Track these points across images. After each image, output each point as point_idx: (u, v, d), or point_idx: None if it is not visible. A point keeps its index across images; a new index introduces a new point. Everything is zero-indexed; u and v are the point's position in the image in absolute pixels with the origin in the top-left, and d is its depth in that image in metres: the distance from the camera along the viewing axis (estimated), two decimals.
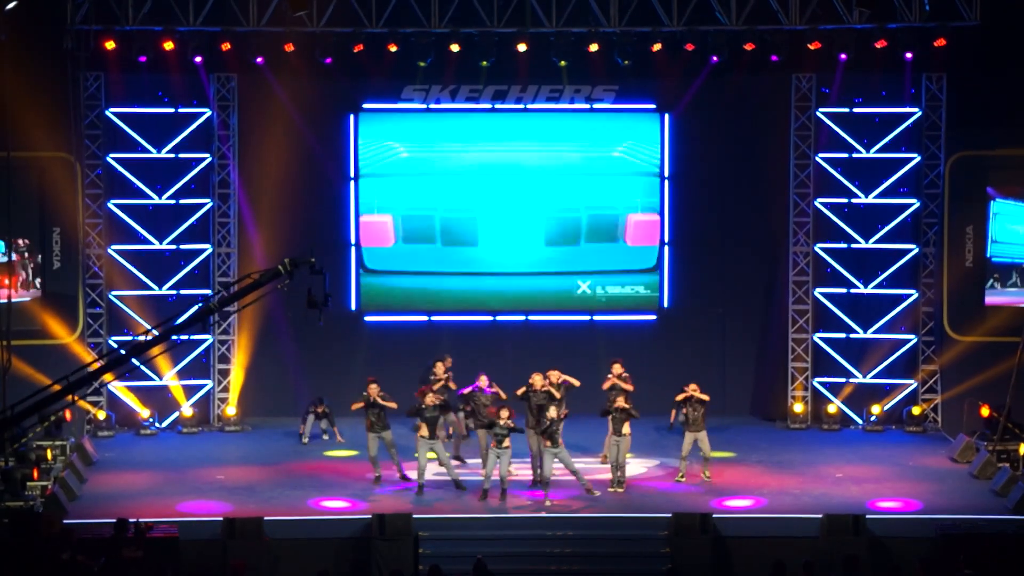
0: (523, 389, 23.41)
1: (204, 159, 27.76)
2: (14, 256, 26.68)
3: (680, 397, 23.72)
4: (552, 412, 22.51)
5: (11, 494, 22.39)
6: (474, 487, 22.88)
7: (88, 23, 25.55)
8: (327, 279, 17.60)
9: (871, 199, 28.06)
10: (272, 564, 20.77)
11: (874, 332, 28.22)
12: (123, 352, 18.28)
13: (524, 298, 28.43)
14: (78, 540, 19.41)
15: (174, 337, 26.63)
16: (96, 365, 17.51)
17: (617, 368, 24.42)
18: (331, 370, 28.08)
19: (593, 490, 22.75)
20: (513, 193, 28.06)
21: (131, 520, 19.85)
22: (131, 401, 27.58)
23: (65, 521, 20.90)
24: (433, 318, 28.50)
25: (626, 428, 23.05)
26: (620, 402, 23.13)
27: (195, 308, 17.69)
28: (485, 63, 26.85)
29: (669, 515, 21.36)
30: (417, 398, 23.44)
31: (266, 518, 21.00)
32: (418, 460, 22.96)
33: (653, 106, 28.19)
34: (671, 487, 23.40)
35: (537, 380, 23.29)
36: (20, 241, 26.81)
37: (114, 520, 19.96)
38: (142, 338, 18.34)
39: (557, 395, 23.00)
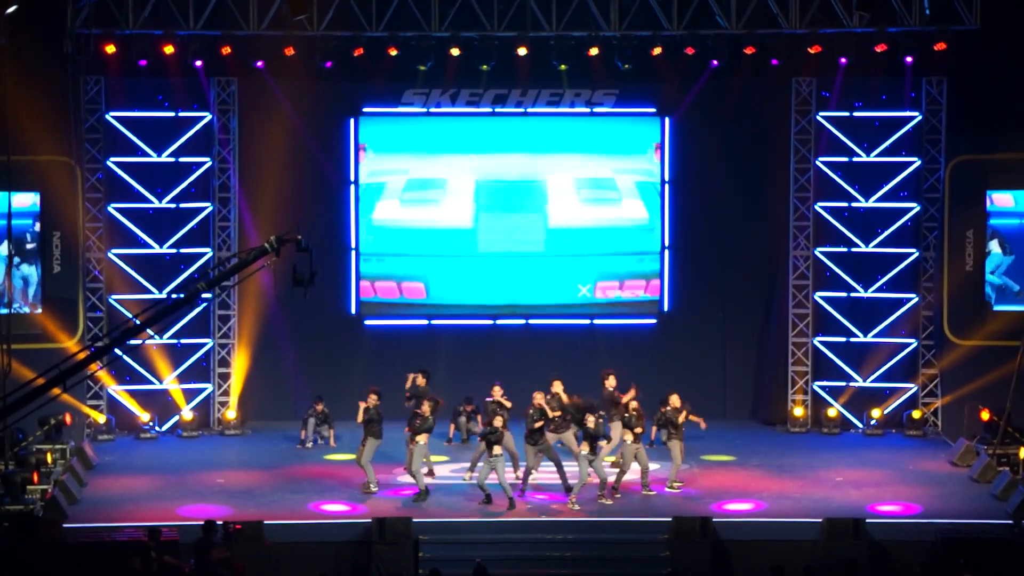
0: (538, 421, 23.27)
1: (204, 163, 27.77)
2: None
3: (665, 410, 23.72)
4: (591, 421, 22.66)
5: (11, 498, 22.40)
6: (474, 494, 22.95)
7: (88, 27, 25.54)
8: (312, 256, 17.45)
9: (871, 203, 28.07)
10: (272, 568, 20.75)
11: (874, 336, 28.23)
12: (113, 337, 18.13)
13: (524, 302, 28.47)
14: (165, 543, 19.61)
15: (175, 340, 27.14)
16: (84, 354, 17.43)
17: (612, 381, 24.39)
18: (331, 374, 28.08)
19: (609, 497, 22.79)
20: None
21: (219, 522, 19.90)
22: (131, 405, 27.57)
23: (65, 525, 20.88)
24: (433, 322, 28.50)
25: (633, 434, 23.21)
26: (633, 406, 23.20)
27: (184, 291, 17.54)
28: (485, 67, 26.82)
29: (669, 519, 21.37)
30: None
31: (266, 522, 21.00)
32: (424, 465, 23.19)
33: (653, 110, 28.22)
34: (671, 491, 23.38)
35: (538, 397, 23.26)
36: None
37: (203, 522, 20.05)
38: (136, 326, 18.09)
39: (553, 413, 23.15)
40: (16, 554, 19.76)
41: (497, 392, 24.28)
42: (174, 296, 17.50)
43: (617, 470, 23.30)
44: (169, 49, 26.02)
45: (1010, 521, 21.70)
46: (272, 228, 27.23)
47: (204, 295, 17.64)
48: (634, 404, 23.24)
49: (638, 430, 23.04)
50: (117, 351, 18.85)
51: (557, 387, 23.76)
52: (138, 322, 17.18)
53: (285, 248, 17.36)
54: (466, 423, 26.51)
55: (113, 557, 19.62)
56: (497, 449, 22.44)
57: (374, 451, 23.19)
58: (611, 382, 24.42)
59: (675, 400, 23.64)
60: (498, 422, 22.67)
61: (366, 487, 23.12)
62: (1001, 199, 27.75)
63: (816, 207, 28.20)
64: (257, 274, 27.14)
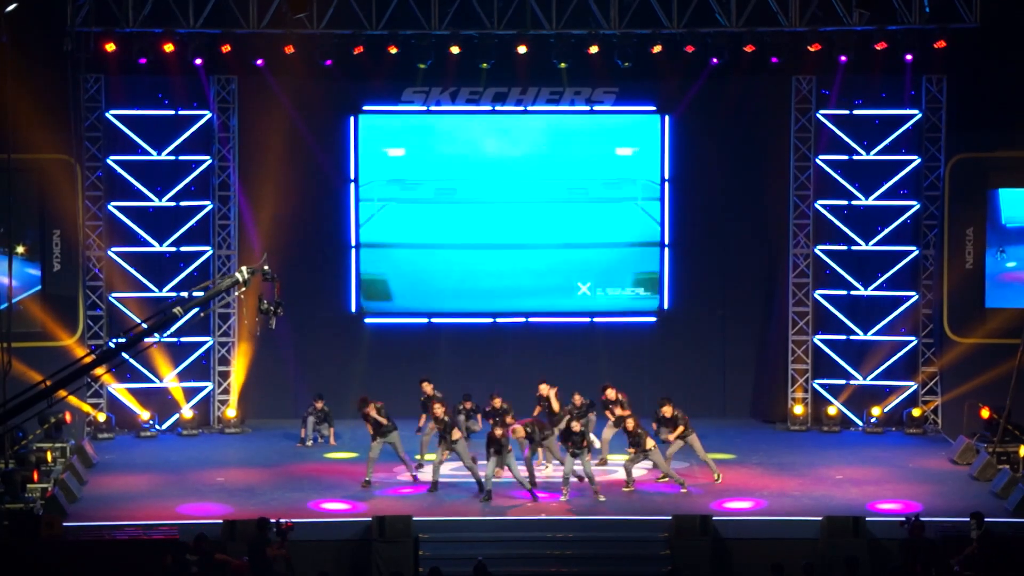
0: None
1: (204, 161, 27.77)
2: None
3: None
4: (576, 426, 22.70)
5: (11, 496, 22.38)
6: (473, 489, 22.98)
7: (88, 25, 25.55)
8: (277, 288, 18.01)
9: (871, 201, 28.07)
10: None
11: (874, 334, 28.23)
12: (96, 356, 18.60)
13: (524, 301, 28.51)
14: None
15: (175, 339, 27.09)
16: (89, 358, 17.82)
17: (611, 393, 24.39)
18: (331, 372, 28.10)
19: (601, 495, 22.77)
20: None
21: (272, 520, 19.98)
22: (131, 403, 27.58)
23: (65, 523, 20.87)
24: (433, 320, 28.50)
25: (649, 442, 23.11)
26: (631, 425, 23.21)
27: (159, 313, 17.96)
28: (485, 65, 26.86)
29: (669, 517, 21.36)
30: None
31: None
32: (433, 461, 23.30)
33: (653, 108, 28.23)
34: (671, 488, 23.37)
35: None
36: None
37: (256, 519, 20.15)
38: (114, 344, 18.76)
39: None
40: (16, 552, 19.75)
41: (497, 403, 24.23)
42: (148, 321, 18.12)
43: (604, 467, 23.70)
44: (169, 47, 26.03)
45: (1010, 519, 21.75)
46: (272, 225, 27.60)
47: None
48: (631, 423, 23.22)
49: (635, 447, 23.12)
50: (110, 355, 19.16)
51: (544, 389, 24.09)
52: (114, 345, 17.68)
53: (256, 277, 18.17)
54: (465, 421, 26.45)
55: (113, 555, 19.66)
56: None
57: (378, 450, 23.46)
58: (610, 394, 24.43)
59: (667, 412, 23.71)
60: (498, 432, 22.67)
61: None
62: None
63: (816, 205, 28.20)
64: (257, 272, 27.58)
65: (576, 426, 22.71)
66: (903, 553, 20.11)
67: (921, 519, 20.43)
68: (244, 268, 18.19)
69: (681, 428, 23.39)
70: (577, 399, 24.03)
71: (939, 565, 19.60)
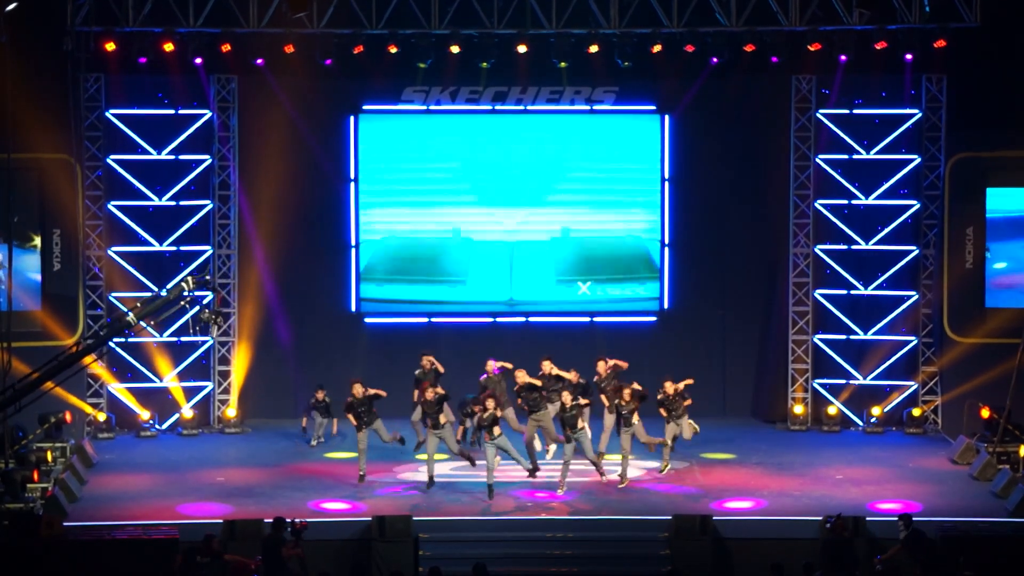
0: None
1: (204, 161, 27.77)
2: None
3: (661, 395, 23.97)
4: (566, 398, 22.65)
5: (11, 496, 22.40)
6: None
7: (88, 24, 25.53)
8: (218, 298, 18.50)
9: (871, 200, 28.07)
10: None
11: (874, 334, 28.23)
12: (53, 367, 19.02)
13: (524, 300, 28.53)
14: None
15: (175, 338, 27.11)
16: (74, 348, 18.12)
17: (602, 366, 24.55)
18: (331, 371, 28.05)
19: (605, 476, 22.84)
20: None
21: (287, 520, 19.98)
22: (131, 403, 27.57)
23: (65, 523, 20.88)
24: (433, 319, 28.52)
25: (635, 417, 23.20)
26: (627, 394, 23.28)
27: (112, 323, 18.26)
28: (485, 64, 26.86)
29: (669, 517, 21.38)
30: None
31: (266, 520, 20.98)
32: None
33: (653, 107, 28.22)
34: (671, 488, 23.41)
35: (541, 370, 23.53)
36: None
37: (272, 520, 20.13)
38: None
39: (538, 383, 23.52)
40: (16, 552, 19.76)
41: (490, 366, 24.29)
42: (102, 331, 18.69)
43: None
44: (169, 47, 26.02)
45: (1010, 519, 21.78)
46: (272, 225, 27.63)
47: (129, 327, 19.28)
48: (627, 394, 23.34)
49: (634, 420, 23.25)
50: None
51: (546, 367, 24.14)
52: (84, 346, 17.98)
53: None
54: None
55: (113, 555, 19.69)
56: (496, 430, 22.49)
57: (366, 440, 23.61)
58: (600, 367, 24.57)
59: (669, 387, 23.78)
60: (490, 404, 22.65)
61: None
62: None
63: (816, 204, 28.20)
64: (257, 272, 27.75)
65: (567, 398, 22.68)
66: (823, 552, 20.11)
67: (843, 518, 20.48)
68: (190, 278, 18.93)
69: (689, 400, 23.90)
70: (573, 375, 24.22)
71: (861, 565, 19.74)
